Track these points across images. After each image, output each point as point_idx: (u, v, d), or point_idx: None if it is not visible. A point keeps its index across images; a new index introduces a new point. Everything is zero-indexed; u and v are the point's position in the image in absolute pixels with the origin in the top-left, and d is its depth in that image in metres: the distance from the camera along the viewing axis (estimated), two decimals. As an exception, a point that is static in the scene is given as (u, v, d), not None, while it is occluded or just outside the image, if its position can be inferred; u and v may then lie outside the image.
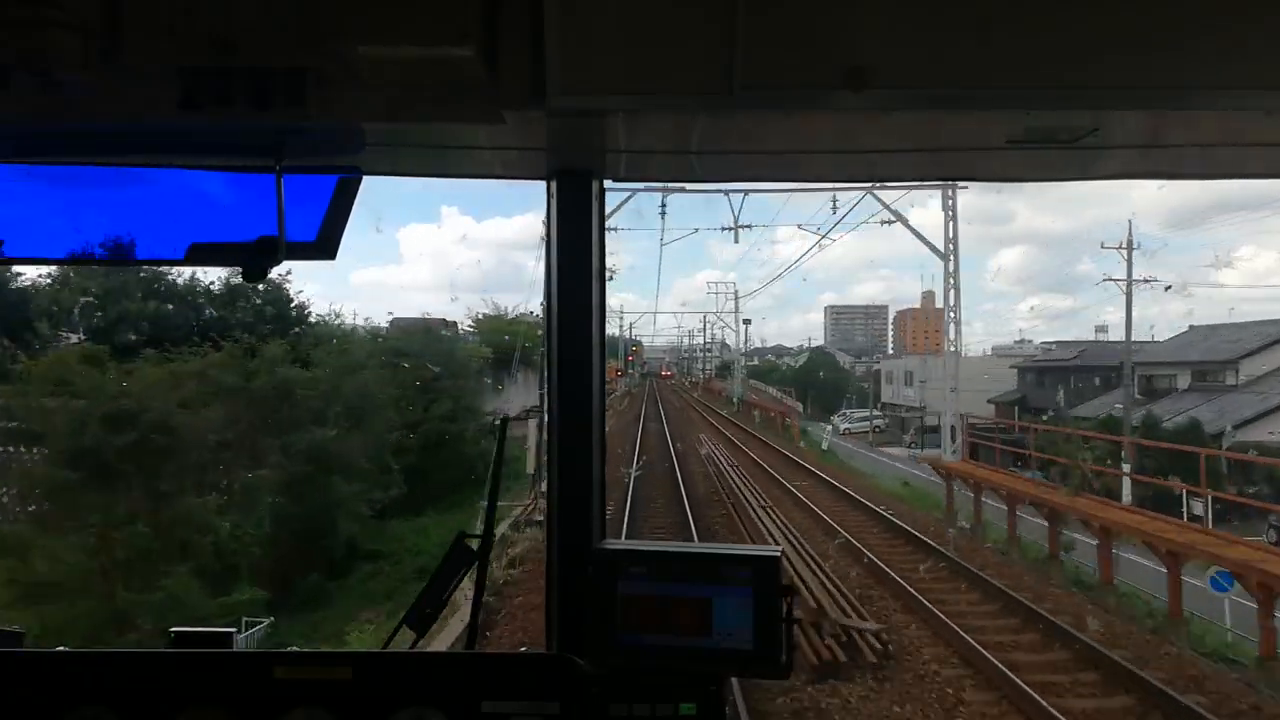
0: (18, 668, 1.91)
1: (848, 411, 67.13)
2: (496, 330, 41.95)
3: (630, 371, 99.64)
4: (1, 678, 1.89)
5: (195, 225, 1.80)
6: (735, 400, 68.96)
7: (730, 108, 1.56)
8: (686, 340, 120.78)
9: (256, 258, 1.77)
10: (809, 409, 65.41)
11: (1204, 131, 1.79)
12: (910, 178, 3.00)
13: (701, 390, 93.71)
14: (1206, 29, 1.44)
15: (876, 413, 67.40)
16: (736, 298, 79.11)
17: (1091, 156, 1.88)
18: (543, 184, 2.05)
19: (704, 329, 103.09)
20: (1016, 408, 55.36)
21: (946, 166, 2.09)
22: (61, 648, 2.05)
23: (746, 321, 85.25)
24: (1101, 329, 67.20)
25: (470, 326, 43.65)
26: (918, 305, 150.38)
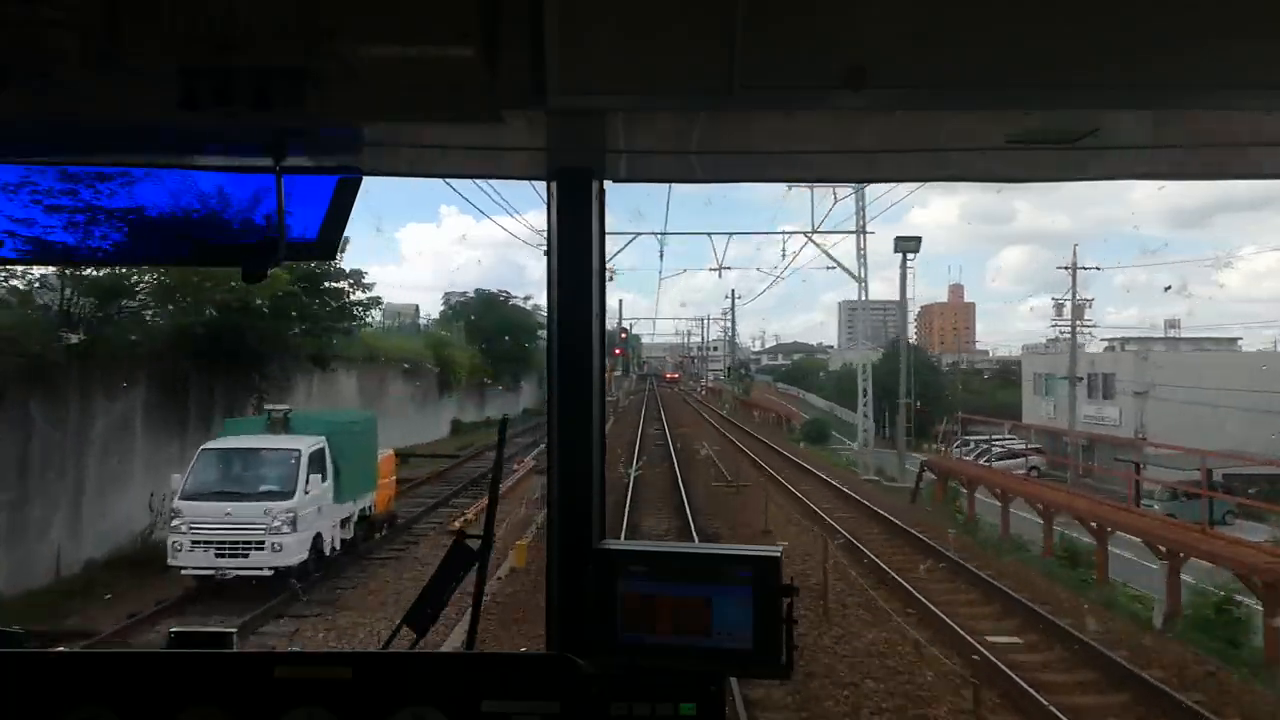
0: (18, 668, 1.91)
1: (975, 439, 35.53)
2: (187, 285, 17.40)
3: (627, 373, 76.77)
4: (1, 678, 1.90)
5: (195, 225, 1.81)
6: (855, 464, 33.25)
7: (730, 107, 1.56)
8: (695, 331, 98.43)
9: (256, 258, 1.77)
10: (886, 429, 35.86)
11: (1204, 131, 1.79)
12: (910, 177, 3.02)
13: (732, 406, 60.33)
14: (1206, 29, 1.44)
15: (1015, 440, 35.89)
16: (863, 210, 34.32)
17: (1091, 156, 1.88)
18: (542, 184, 2.05)
19: (732, 306, 68.39)
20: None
21: (946, 166, 2.09)
22: (61, 648, 2.05)
23: (908, 247, 35.26)
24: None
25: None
26: (944, 300, 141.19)
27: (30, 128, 1.65)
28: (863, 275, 36.36)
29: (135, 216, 1.80)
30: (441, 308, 46.01)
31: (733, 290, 79.77)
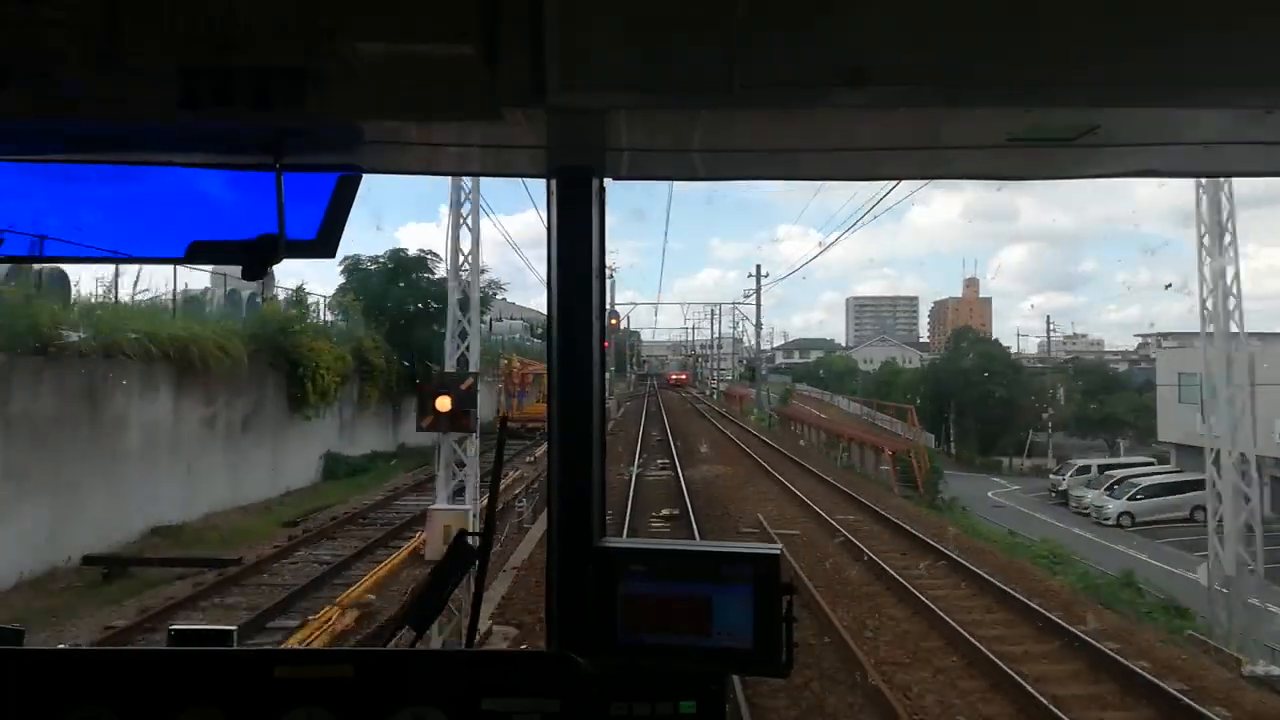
0: (18, 666, 1.92)
1: (1095, 464, 27.22)
2: None
3: (621, 372, 63.98)
4: (1, 676, 1.90)
5: (195, 224, 1.81)
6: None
7: (731, 106, 1.56)
8: (702, 325, 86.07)
9: (256, 256, 1.77)
10: (954, 444, 29.95)
11: (1204, 129, 1.79)
12: (912, 176, 3.01)
13: (760, 418, 51.81)
14: (1207, 26, 1.44)
15: (1173, 471, 27.54)
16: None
17: (1092, 154, 1.88)
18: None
19: (757, 285, 58.21)
20: None
21: (948, 164, 2.09)
22: (61, 645, 2.05)
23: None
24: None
25: None
26: (958, 295, 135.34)
27: (30, 128, 1.65)
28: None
29: (135, 216, 1.81)
30: (342, 279, 30.80)
31: (758, 266, 67.99)
